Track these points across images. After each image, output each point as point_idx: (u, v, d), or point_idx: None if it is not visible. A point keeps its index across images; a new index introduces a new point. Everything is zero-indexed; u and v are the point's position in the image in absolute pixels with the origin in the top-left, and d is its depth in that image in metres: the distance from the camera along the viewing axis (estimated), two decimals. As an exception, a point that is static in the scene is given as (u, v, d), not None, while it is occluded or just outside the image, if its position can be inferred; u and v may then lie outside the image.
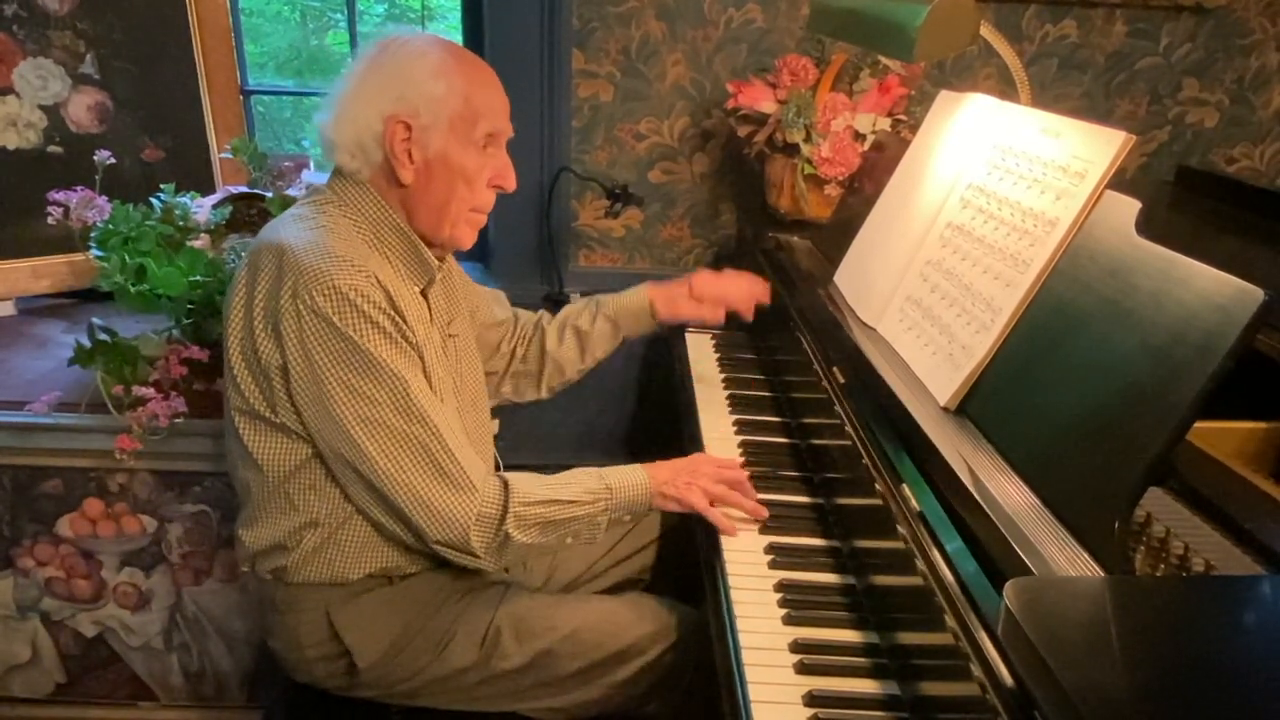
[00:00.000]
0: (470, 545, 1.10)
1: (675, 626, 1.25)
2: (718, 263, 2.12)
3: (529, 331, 1.51)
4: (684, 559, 1.45)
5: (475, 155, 1.15)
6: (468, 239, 1.22)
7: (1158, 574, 0.83)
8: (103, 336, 1.45)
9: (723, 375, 1.66)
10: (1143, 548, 0.86)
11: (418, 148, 1.12)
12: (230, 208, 1.60)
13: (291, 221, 1.13)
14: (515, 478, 1.15)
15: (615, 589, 1.45)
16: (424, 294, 1.22)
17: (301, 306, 1.04)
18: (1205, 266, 0.80)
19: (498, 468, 1.35)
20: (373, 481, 1.08)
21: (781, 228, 1.77)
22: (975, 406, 1.01)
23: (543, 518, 1.13)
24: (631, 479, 1.19)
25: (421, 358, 1.14)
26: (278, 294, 1.05)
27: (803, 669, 0.96)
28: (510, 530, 1.10)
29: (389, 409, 1.06)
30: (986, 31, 1.25)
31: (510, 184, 1.21)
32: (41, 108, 1.74)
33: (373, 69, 1.13)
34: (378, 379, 1.06)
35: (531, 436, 2.14)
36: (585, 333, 1.50)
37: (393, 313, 1.08)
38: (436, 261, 1.21)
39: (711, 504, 1.20)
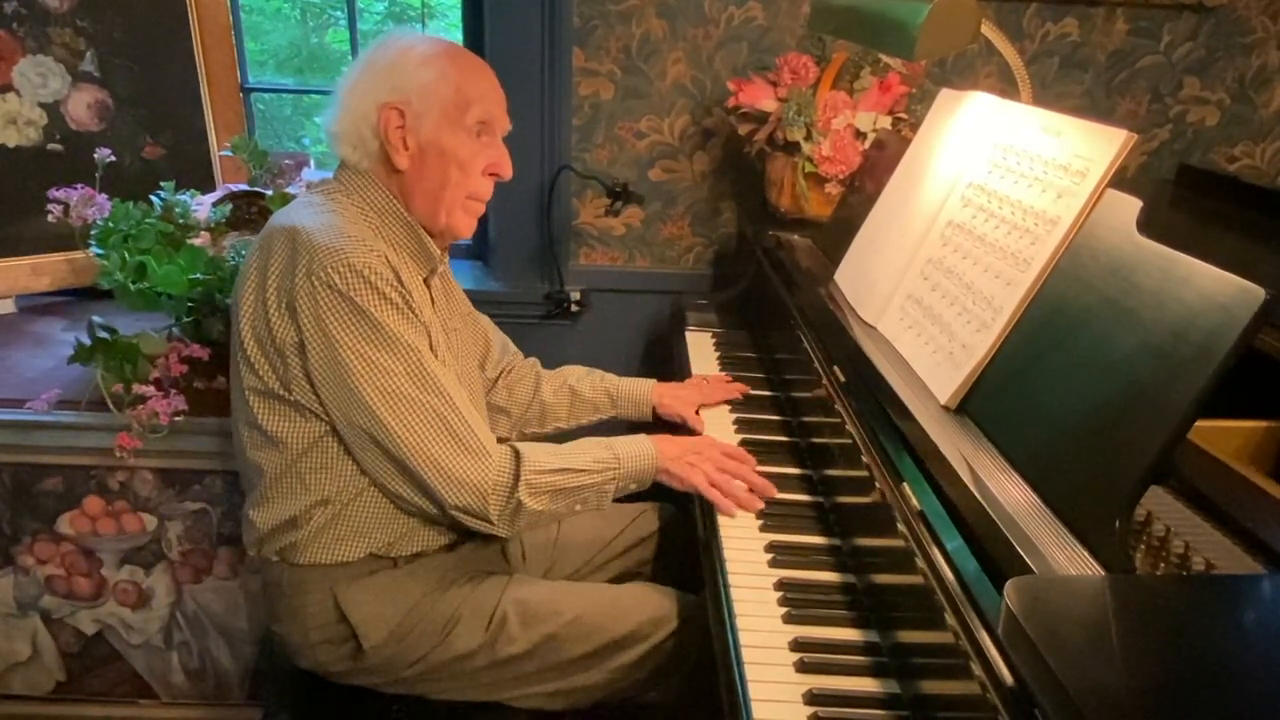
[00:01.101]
0: (488, 511, 1.13)
1: (678, 613, 1.26)
2: (718, 261, 2.12)
3: (524, 373, 1.52)
4: (684, 553, 1.45)
5: (468, 142, 1.18)
6: (465, 227, 1.23)
7: (1158, 573, 0.83)
8: (103, 334, 1.45)
9: (723, 374, 1.66)
10: (1143, 547, 0.86)
11: (411, 134, 1.16)
12: (230, 205, 1.60)
13: (303, 207, 1.17)
14: (526, 447, 1.18)
15: (615, 582, 1.46)
16: (426, 284, 1.25)
17: (316, 283, 1.07)
18: (1206, 265, 0.80)
19: None
20: (391, 451, 1.11)
21: (782, 226, 1.77)
22: (976, 405, 1.01)
23: (553, 485, 1.16)
24: (639, 450, 1.23)
25: (429, 335, 1.17)
26: (292, 273, 1.08)
27: (803, 667, 0.96)
28: (522, 497, 1.13)
29: (404, 379, 1.09)
30: (987, 30, 1.25)
31: (506, 172, 1.23)
32: (41, 105, 1.74)
33: (369, 63, 1.18)
34: (392, 350, 1.09)
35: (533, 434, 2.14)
36: (581, 397, 1.52)
37: (402, 289, 1.12)
38: (438, 251, 1.24)
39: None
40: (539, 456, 1.16)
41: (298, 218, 1.13)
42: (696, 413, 1.49)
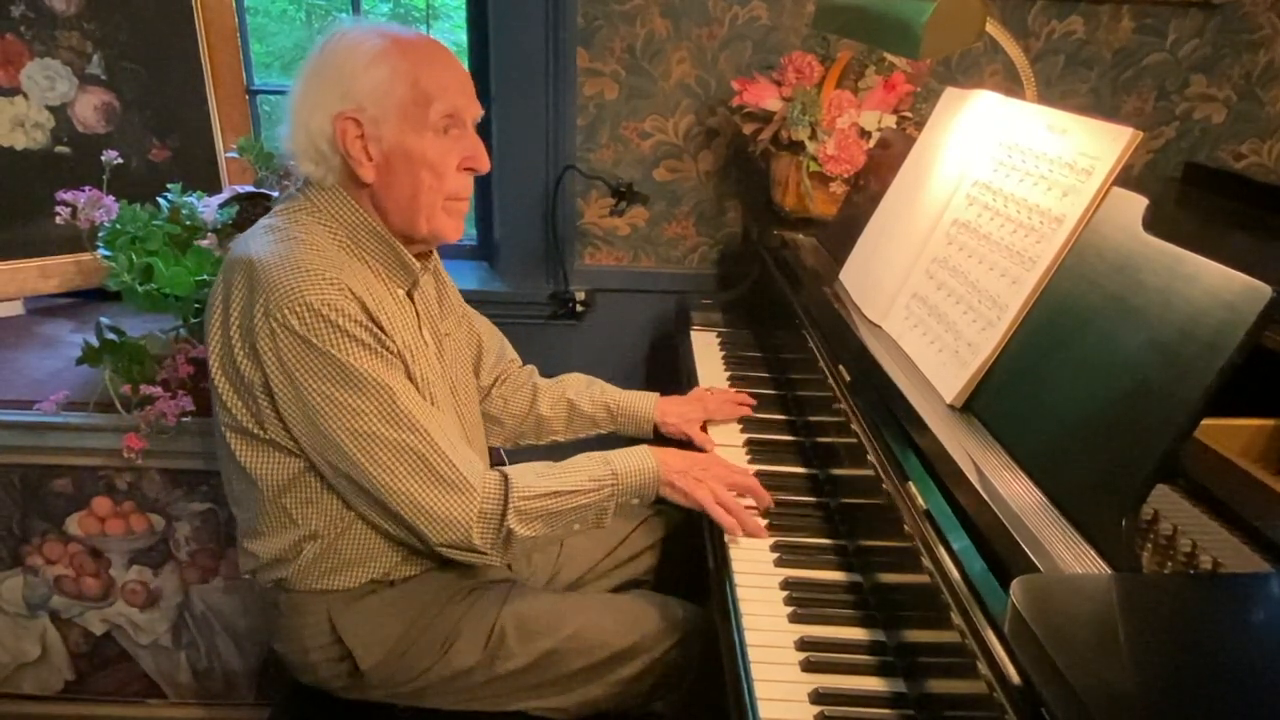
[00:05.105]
0: (473, 544, 1.09)
1: (679, 624, 1.25)
2: (723, 261, 2.12)
3: (521, 382, 1.47)
4: (688, 559, 1.45)
5: (435, 140, 1.09)
6: (451, 230, 1.17)
7: (1165, 571, 0.83)
8: (110, 336, 1.45)
9: (728, 373, 1.66)
10: (1150, 545, 0.86)
11: (372, 143, 1.07)
12: (237, 207, 1.60)
13: (263, 233, 1.10)
14: (516, 471, 1.13)
15: (619, 589, 1.45)
16: (410, 296, 1.20)
17: (275, 325, 1.01)
18: (1213, 263, 0.79)
19: (495, 464, 1.35)
20: (370, 491, 1.07)
21: (787, 225, 1.77)
22: (982, 404, 1.01)
23: (545, 510, 1.12)
24: (638, 464, 1.18)
25: (407, 365, 1.12)
26: (251, 312, 1.03)
27: (809, 666, 0.96)
28: (512, 525, 1.09)
29: (376, 419, 1.05)
30: (992, 28, 1.25)
31: (483, 165, 1.14)
32: (49, 108, 1.74)
33: (314, 70, 1.09)
34: (361, 390, 1.04)
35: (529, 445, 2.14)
36: (579, 411, 1.46)
37: (369, 323, 1.06)
38: (418, 263, 1.19)
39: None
40: (529, 481, 1.11)
41: (256, 248, 1.06)
42: (703, 429, 1.45)
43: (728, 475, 1.21)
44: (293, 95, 1.11)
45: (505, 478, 1.12)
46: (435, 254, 1.28)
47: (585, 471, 1.16)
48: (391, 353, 1.08)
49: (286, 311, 1.01)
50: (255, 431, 1.09)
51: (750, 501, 1.22)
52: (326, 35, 1.11)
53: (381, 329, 1.08)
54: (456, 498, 1.08)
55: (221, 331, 1.08)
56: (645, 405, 1.46)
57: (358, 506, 1.11)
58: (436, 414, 1.13)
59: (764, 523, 1.19)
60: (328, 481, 1.11)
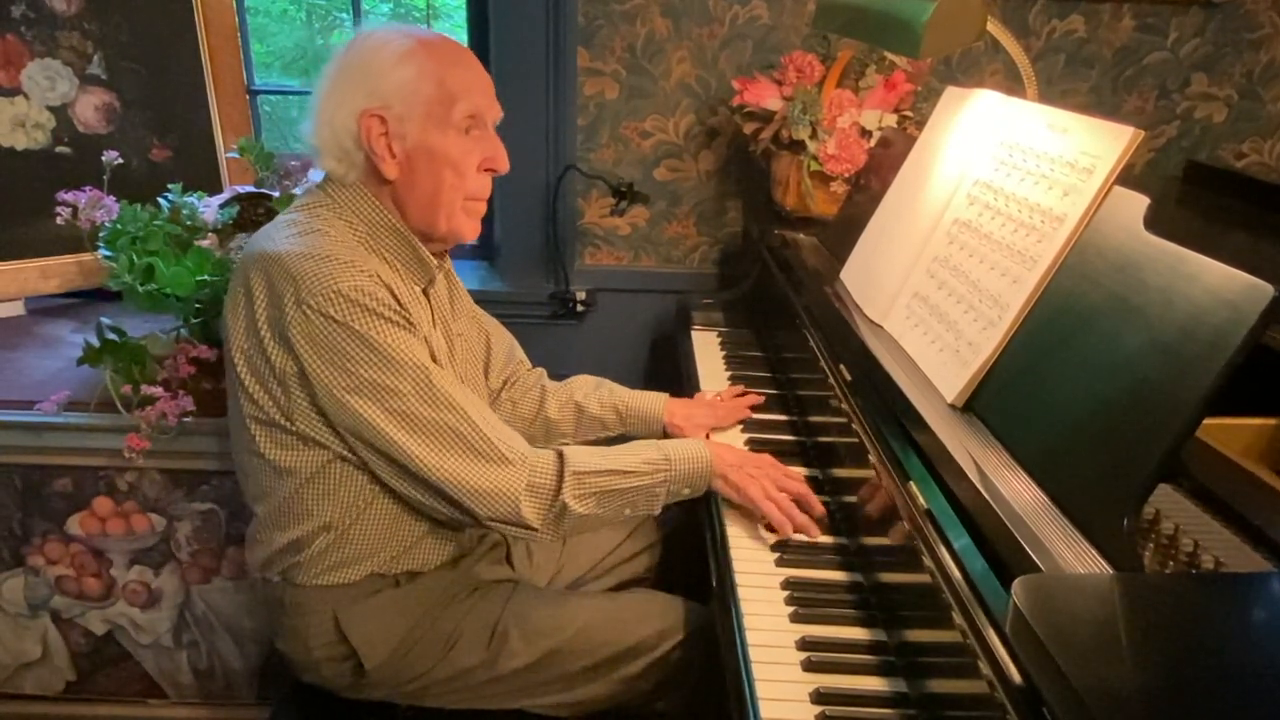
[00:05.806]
0: (523, 517, 1.10)
1: (683, 623, 1.25)
2: (724, 261, 2.12)
3: (529, 385, 1.47)
4: (689, 557, 1.45)
5: (458, 140, 1.12)
6: (469, 230, 1.19)
7: (1167, 571, 0.83)
8: (111, 336, 1.45)
9: (729, 373, 1.66)
10: (1152, 545, 0.86)
11: (396, 140, 1.09)
12: (237, 207, 1.60)
13: (284, 227, 1.12)
14: (571, 449, 1.15)
15: (621, 587, 1.45)
16: (425, 294, 1.21)
17: (309, 313, 1.03)
18: (1214, 262, 0.79)
19: None
20: (414, 472, 1.08)
21: (787, 225, 1.77)
22: (983, 403, 1.01)
23: (600, 488, 1.13)
24: (692, 453, 1.19)
25: (432, 353, 1.14)
26: (280, 304, 1.04)
27: (810, 666, 0.96)
28: (567, 500, 1.10)
29: (415, 399, 1.06)
30: (993, 27, 1.24)
31: (503, 166, 1.17)
32: (49, 108, 1.74)
33: (341, 68, 1.11)
34: (399, 372, 1.06)
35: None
36: (588, 414, 1.46)
37: (399, 307, 1.08)
38: (435, 260, 1.20)
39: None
40: (585, 458, 1.13)
41: (280, 242, 1.08)
42: (707, 436, 1.44)
43: (781, 477, 1.22)
44: (317, 93, 1.13)
45: (560, 453, 1.13)
46: (447, 255, 1.28)
47: (640, 455, 1.17)
48: (420, 336, 1.11)
49: (321, 299, 1.02)
50: (283, 424, 1.10)
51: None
52: (352, 36, 1.14)
53: (410, 314, 1.10)
54: (500, 471, 1.09)
55: (247, 325, 1.09)
56: (654, 406, 1.47)
57: (400, 487, 1.12)
58: (471, 394, 1.14)
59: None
60: (347, 471, 1.13)
